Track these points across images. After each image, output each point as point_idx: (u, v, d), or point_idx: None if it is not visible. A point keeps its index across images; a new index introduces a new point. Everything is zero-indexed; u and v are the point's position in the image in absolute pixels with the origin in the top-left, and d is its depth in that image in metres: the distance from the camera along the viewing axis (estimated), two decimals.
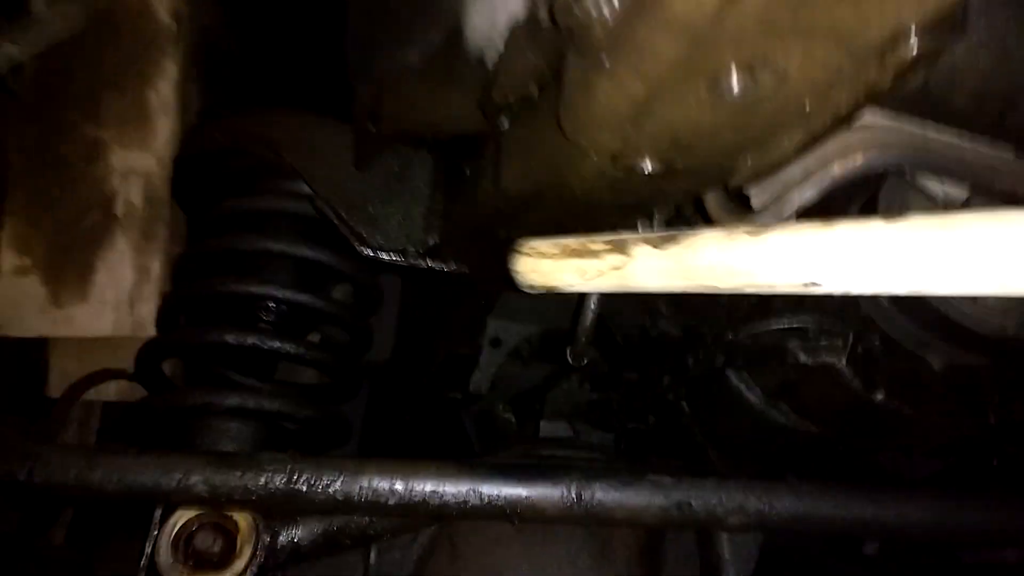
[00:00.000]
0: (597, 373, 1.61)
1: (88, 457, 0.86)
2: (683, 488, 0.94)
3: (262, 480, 0.88)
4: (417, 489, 0.90)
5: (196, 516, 1.02)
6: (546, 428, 1.44)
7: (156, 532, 1.00)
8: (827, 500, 0.98)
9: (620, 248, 0.71)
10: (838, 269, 0.57)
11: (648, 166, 0.66)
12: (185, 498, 0.88)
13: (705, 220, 0.92)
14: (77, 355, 1.36)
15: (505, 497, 0.91)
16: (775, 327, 1.26)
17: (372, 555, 1.16)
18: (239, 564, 1.02)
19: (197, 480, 0.87)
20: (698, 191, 0.85)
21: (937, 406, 1.24)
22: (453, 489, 0.91)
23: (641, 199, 0.78)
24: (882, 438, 1.33)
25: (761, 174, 0.72)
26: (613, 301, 1.57)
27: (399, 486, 0.90)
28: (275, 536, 1.05)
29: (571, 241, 0.76)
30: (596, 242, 0.73)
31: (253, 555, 1.03)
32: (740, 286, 0.63)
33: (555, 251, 0.78)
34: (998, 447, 1.36)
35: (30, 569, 1.10)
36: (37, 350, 1.36)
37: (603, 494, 0.92)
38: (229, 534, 1.03)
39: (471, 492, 0.91)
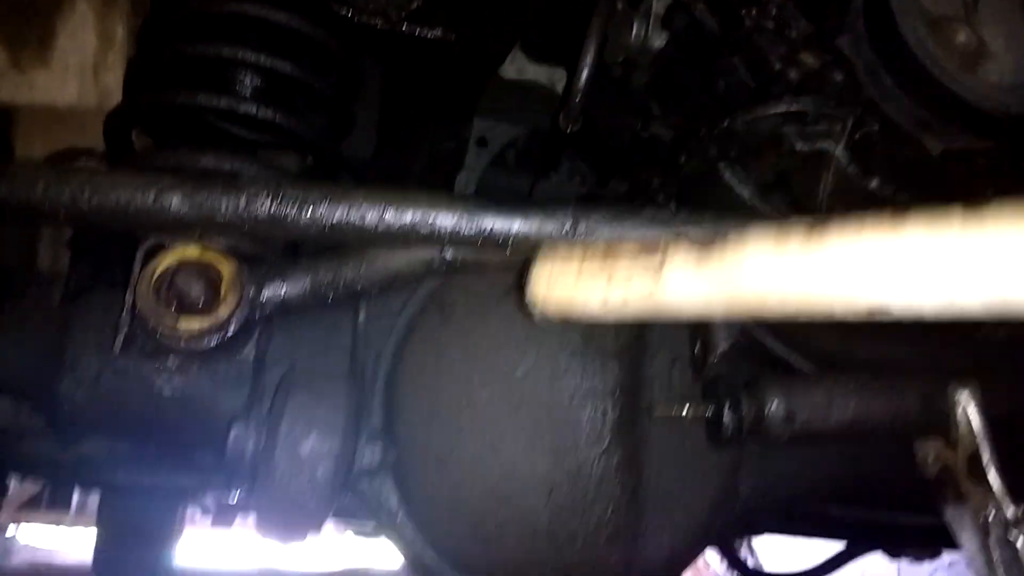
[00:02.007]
0: (587, 171, 1.57)
1: (58, 172, 0.81)
2: (679, 220, 0.92)
3: (244, 200, 0.84)
4: (408, 216, 0.87)
5: (178, 260, 0.99)
6: None
7: (138, 273, 0.97)
8: None
9: (650, 265, 0.59)
10: (911, 285, 0.48)
11: None
12: (161, 219, 0.84)
13: None
14: (43, 134, 1.29)
15: (498, 226, 0.89)
16: (773, 112, 1.22)
17: (361, 316, 1.15)
18: (223, 311, 1.00)
19: (174, 199, 0.83)
20: None
21: (931, 195, 1.23)
22: (445, 218, 0.88)
23: None
24: None
25: None
26: (600, 102, 1.52)
27: (389, 213, 0.87)
28: (260, 287, 1.03)
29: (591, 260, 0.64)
30: (622, 257, 0.61)
31: (238, 303, 1.01)
32: (794, 314, 0.55)
33: (565, 269, 0.65)
34: None
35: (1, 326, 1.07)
36: (2, 128, 1.29)
37: (601, 225, 0.90)
38: (213, 282, 1.01)
39: (463, 220, 0.88)
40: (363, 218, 0.86)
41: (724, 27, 1.29)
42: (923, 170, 1.22)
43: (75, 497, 4.98)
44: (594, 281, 0.63)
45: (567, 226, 0.89)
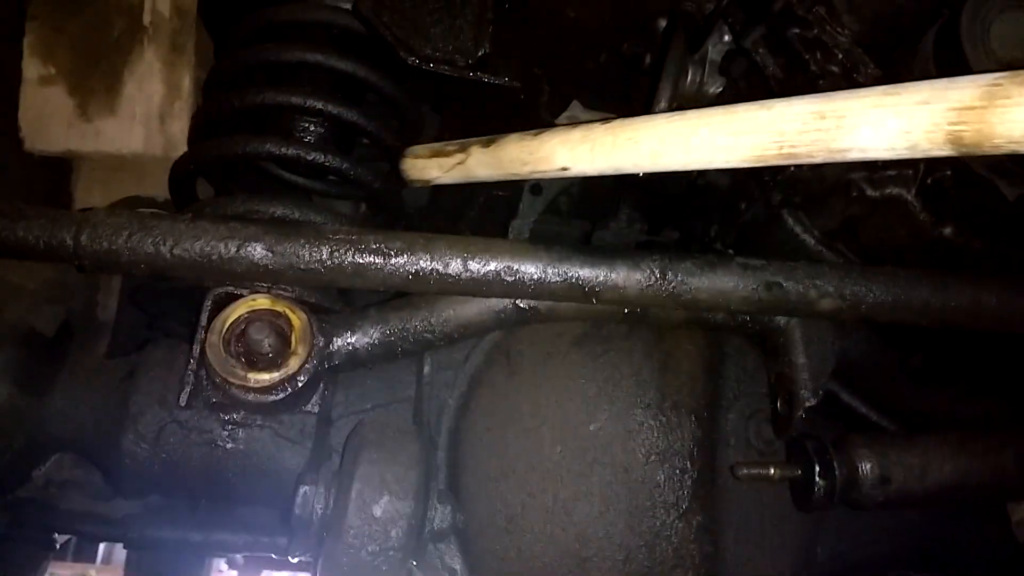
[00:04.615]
0: (639, 218, 1.54)
1: (140, 221, 0.79)
2: (773, 269, 0.88)
3: (328, 250, 0.81)
4: (491, 266, 0.84)
5: (249, 310, 0.96)
6: None
7: (206, 324, 0.94)
8: (925, 286, 0.92)
9: (462, 149, 1.02)
10: (580, 158, 0.85)
11: None
12: (243, 270, 0.81)
13: None
14: (103, 182, 1.29)
15: (583, 275, 0.85)
16: None
17: (425, 367, 1.11)
18: (294, 363, 0.97)
19: (258, 248, 0.80)
20: None
21: (1007, 240, 1.19)
22: (529, 267, 0.85)
23: None
24: None
25: None
26: None
27: (473, 263, 0.84)
28: (329, 339, 1.00)
29: (433, 145, 1.10)
30: (449, 145, 1.06)
31: (308, 355, 0.97)
32: (528, 173, 0.90)
33: (424, 152, 1.11)
34: None
35: (64, 380, 1.05)
36: (62, 176, 1.28)
37: (687, 274, 0.86)
38: (283, 333, 0.98)
39: (547, 269, 0.85)
40: (446, 267, 0.83)
41: (788, 72, 1.26)
42: (998, 217, 1.17)
43: (100, 549, 4.92)
44: (435, 156, 1.10)
45: (655, 276, 0.85)
